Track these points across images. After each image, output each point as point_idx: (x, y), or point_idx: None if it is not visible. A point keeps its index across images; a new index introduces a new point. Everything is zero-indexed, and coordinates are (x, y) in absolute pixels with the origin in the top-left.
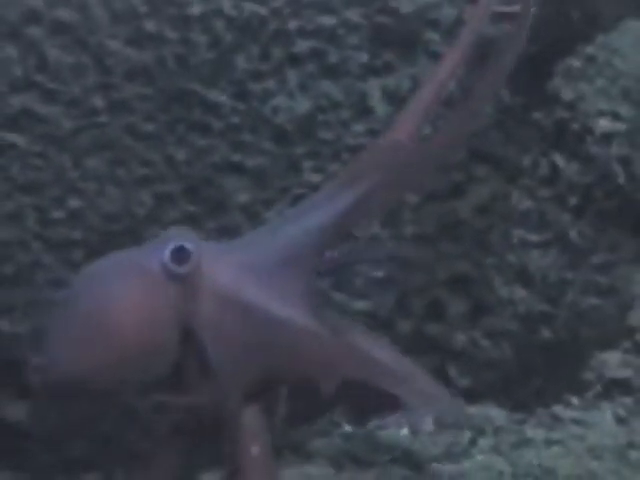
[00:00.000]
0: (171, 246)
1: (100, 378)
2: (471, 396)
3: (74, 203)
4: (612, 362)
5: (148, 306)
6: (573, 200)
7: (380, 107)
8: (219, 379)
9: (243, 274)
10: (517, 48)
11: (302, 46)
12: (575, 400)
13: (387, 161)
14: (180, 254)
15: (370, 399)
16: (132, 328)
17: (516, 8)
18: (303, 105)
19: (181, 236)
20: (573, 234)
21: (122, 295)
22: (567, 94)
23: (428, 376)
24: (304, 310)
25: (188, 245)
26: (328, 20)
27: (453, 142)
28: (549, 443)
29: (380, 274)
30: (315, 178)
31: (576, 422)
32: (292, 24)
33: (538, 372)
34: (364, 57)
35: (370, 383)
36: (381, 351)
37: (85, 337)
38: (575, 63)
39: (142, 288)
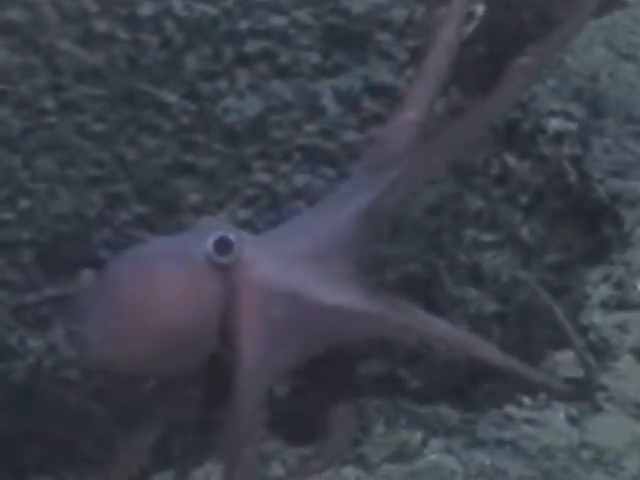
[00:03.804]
0: (214, 236)
1: (135, 362)
2: (423, 397)
3: (24, 204)
4: (565, 362)
5: (192, 294)
6: (525, 199)
7: (331, 107)
8: (243, 378)
9: (287, 263)
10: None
11: (253, 46)
12: (527, 400)
13: (405, 140)
14: (222, 245)
15: None
16: (174, 315)
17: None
18: (254, 105)
19: (221, 227)
20: (525, 233)
21: (167, 281)
22: None
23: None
24: (357, 295)
25: (230, 236)
26: (279, 20)
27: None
28: (501, 443)
29: None
30: (266, 178)
31: (528, 422)
32: (243, 24)
33: (490, 372)
34: (315, 57)
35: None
36: (439, 324)
37: (124, 320)
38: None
39: (187, 276)
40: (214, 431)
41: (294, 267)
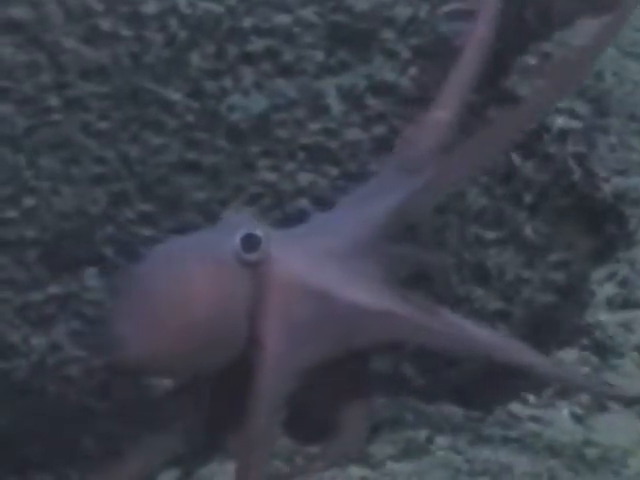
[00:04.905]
0: (241, 233)
1: (164, 361)
2: (428, 395)
3: (28, 202)
4: (569, 360)
5: (220, 292)
6: (529, 198)
7: (335, 105)
8: (266, 377)
9: (314, 261)
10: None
11: (257, 44)
12: (532, 398)
13: (435, 140)
14: (250, 241)
15: None
16: (203, 312)
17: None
18: (258, 103)
19: (248, 223)
20: (529, 232)
21: (195, 278)
22: (523, 92)
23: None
24: (384, 295)
25: (258, 232)
26: (283, 18)
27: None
28: (506, 440)
29: None
30: (271, 177)
31: (533, 420)
32: (247, 22)
33: (495, 370)
34: (319, 56)
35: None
36: (468, 326)
37: (155, 319)
38: (531, 60)
39: (215, 273)
40: (221, 430)
41: (322, 265)
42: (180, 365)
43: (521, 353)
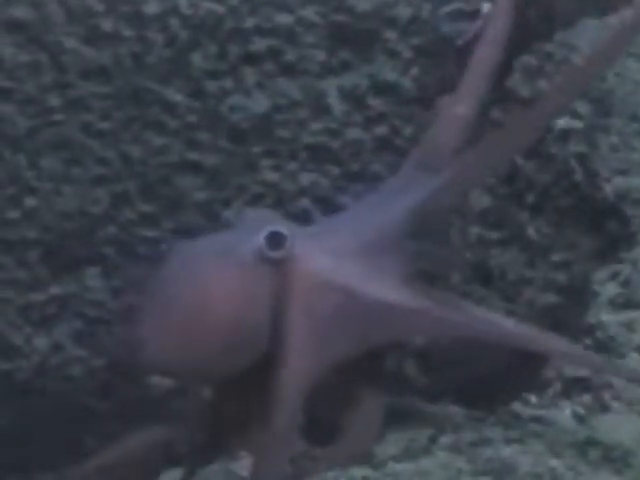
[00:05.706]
0: (266, 231)
1: (188, 363)
2: (430, 394)
3: (30, 202)
4: None
5: (244, 292)
6: (531, 198)
7: (337, 105)
8: (289, 375)
9: (338, 258)
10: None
11: (259, 44)
12: (534, 398)
13: (454, 136)
14: (275, 239)
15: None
16: (228, 315)
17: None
18: (260, 104)
19: (272, 220)
20: (531, 232)
21: (219, 280)
22: (525, 92)
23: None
24: (408, 292)
25: (283, 230)
26: (285, 18)
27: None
28: (508, 441)
29: None
30: (272, 177)
31: (535, 420)
32: (249, 22)
33: (497, 370)
34: (321, 55)
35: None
36: (498, 318)
37: (178, 321)
38: (533, 61)
39: (238, 274)
40: (227, 431)
41: (345, 262)
42: (204, 366)
43: (549, 340)
